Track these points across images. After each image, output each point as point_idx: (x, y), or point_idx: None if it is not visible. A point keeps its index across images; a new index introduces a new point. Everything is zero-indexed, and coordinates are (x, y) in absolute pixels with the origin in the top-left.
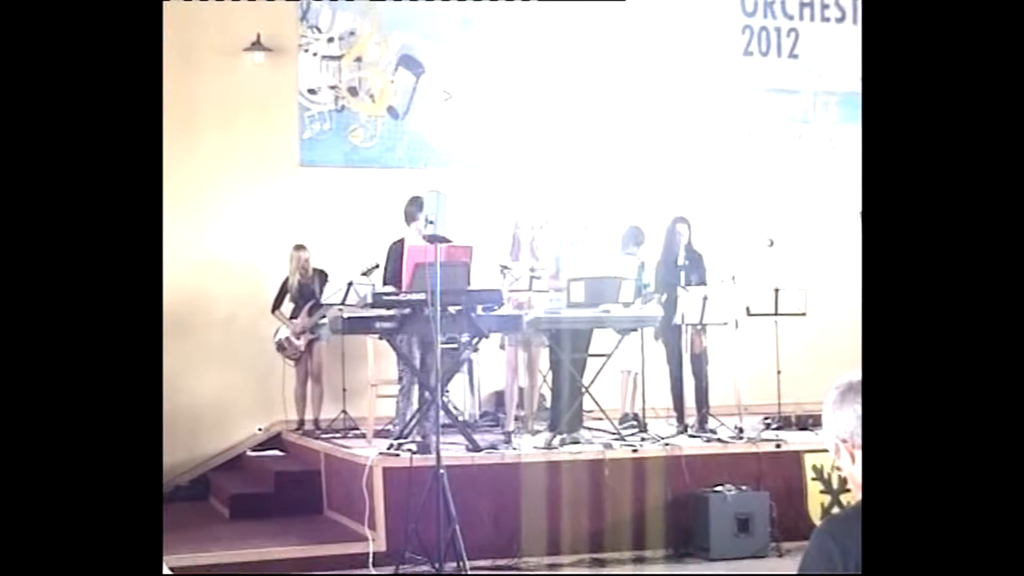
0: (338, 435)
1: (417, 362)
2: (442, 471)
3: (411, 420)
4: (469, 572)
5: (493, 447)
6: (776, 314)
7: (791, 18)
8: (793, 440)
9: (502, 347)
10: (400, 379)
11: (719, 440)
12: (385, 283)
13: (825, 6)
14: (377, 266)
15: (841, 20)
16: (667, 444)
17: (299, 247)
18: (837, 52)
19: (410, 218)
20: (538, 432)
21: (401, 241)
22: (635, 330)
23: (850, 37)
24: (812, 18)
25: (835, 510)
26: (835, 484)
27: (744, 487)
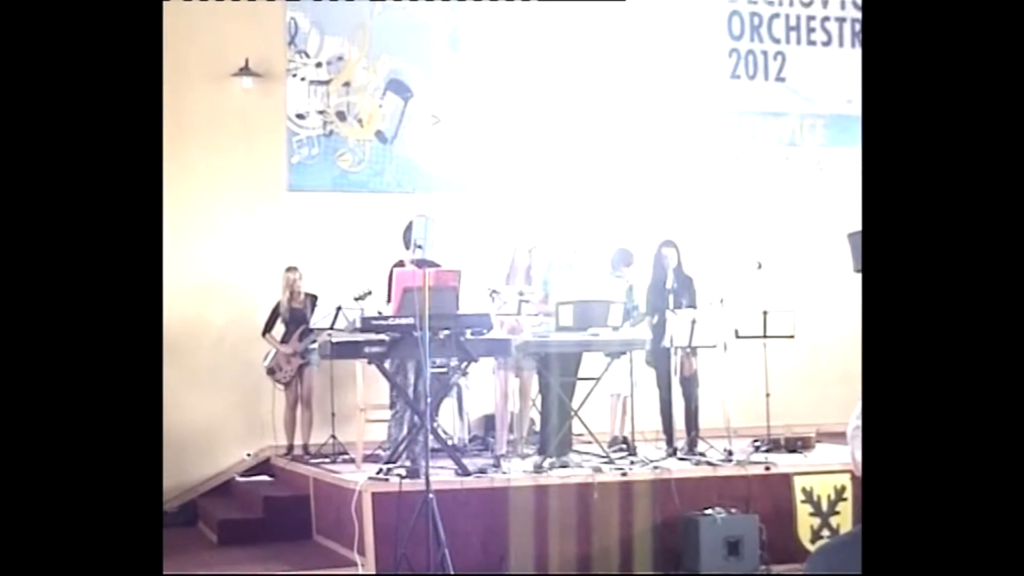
0: (327, 460)
1: (410, 389)
2: (431, 495)
3: (400, 444)
4: None
5: (482, 471)
6: (765, 336)
7: (778, 42)
8: (782, 463)
9: (495, 372)
10: (393, 404)
11: (708, 463)
12: (386, 303)
13: (811, 30)
14: (370, 292)
15: (827, 44)
16: (656, 467)
17: (290, 269)
18: (824, 75)
19: (408, 243)
20: (527, 456)
21: (400, 264)
22: (624, 353)
23: (836, 60)
24: (799, 42)
25: (825, 532)
26: (824, 507)
27: (733, 510)
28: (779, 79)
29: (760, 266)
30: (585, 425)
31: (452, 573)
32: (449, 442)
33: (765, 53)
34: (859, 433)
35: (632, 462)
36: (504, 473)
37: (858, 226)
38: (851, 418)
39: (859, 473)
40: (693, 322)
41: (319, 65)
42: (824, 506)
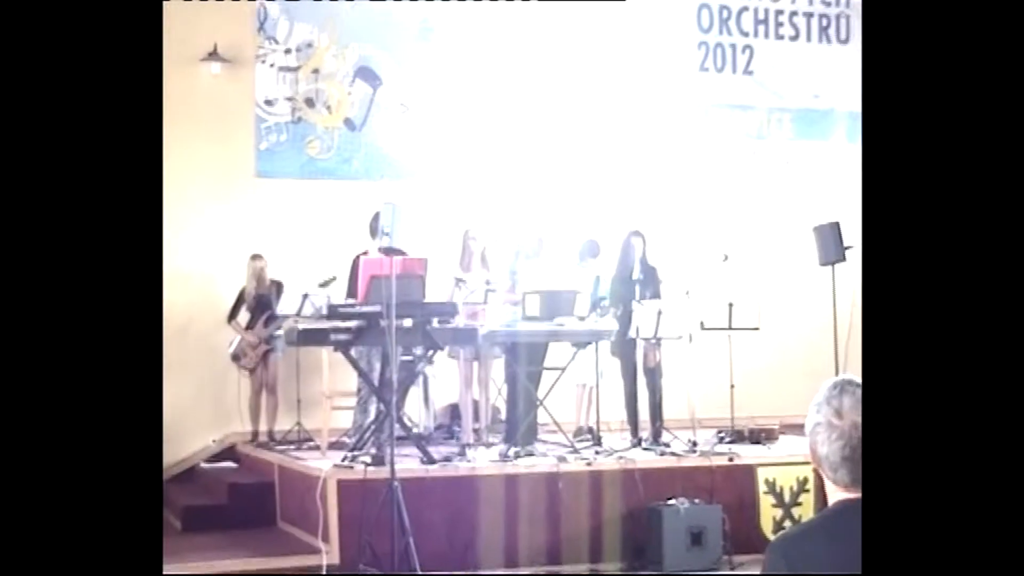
0: (292, 447)
1: (376, 376)
2: (396, 483)
3: (366, 432)
4: None
5: (447, 459)
6: (730, 328)
7: (746, 35)
8: (746, 454)
9: (452, 356)
10: (359, 392)
11: (673, 453)
12: (348, 295)
13: (780, 24)
14: (335, 278)
15: (795, 38)
16: (621, 457)
17: (255, 257)
18: (791, 69)
19: (374, 232)
20: (493, 445)
21: (364, 254)
22: (590, 343)
23: (804, 55)
24: (767, 35)
25: (787, 523)
26: (787, 498)
27: (697, 500)
28: (747, 72)
29: (726, 258)
30: (551, 415)
31: (416, 563)
32: (415, 430)
33: (733, 46)
34: (820, 428)
35: (597, 452)
36: (469, 462)
37: (824, 219)
38: (809, 410)
39: (817, 466)
40: (659, 313)
41: (288, 52)
42: (787, 497)
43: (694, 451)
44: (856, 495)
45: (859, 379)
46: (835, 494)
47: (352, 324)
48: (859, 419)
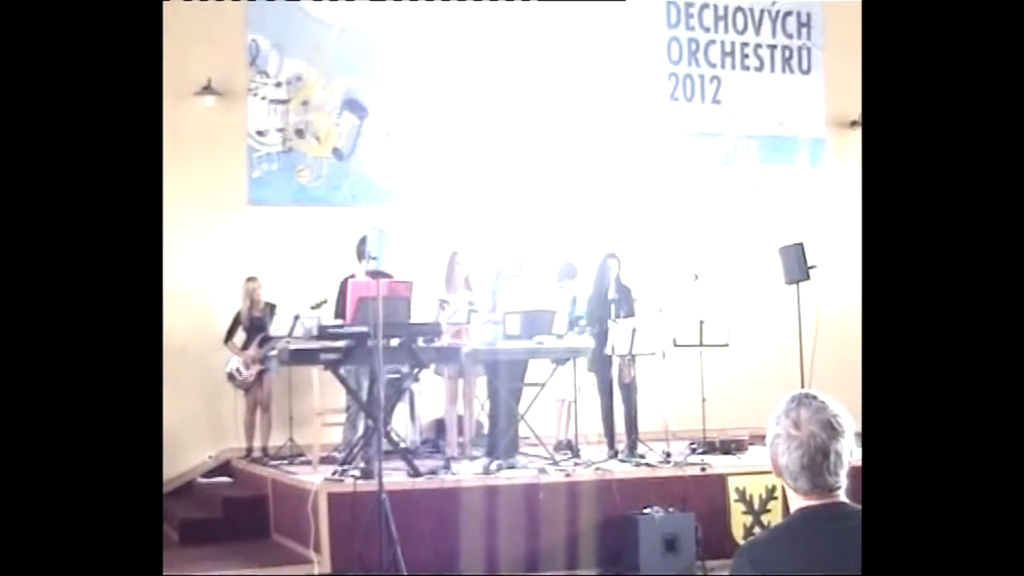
0: (285, 462)
1: (364, 394)
2: (384, 495)
3: (355, 447)
4: None
5: (433, 472)
6: (701, 345)
7: (714, 66)
8: (717, 464)
9: (438, 373)
10: (348, 409)
11: (647, 464)
12: (336, 317)
13: (745, 56)
14: (325, 301)
15: (760, 69)
16: (598, 469)
17: (250, 279)
18: (757, 98)
19: (361, 255)
20: (476, 458)
21: (351, 276)
22: (568, 360)
23: (769, 84)
24: (733, 67)
25: (756, 530)
26: (756, 505)
27: (671, 509)
28: (715, 101)
29: (697, 278)
30: (531, 429)
31: (404, 570)
32: (401, 445)
33: (702, 76)
34: (779, 440)
35: (576, 464)
36: (454, 474)
37: (789, 241)
38: (769, 423)
39: (778, 476)
40: (634, 331)
41: (279, 85)
42: (756, 505)
43: (668, 462)
44: (816, 501)
45: (817, 393)
46: (796, 501)
47: (341, 344)
48: (816, 429)
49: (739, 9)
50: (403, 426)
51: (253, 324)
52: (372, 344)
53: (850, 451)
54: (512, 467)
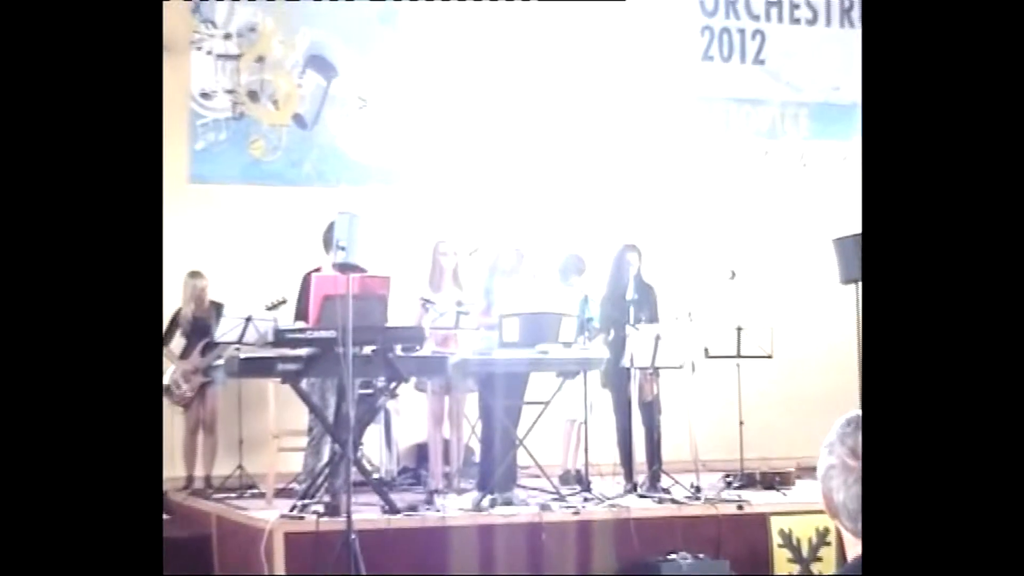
0: (233, 494)
1: (330, 413)
2: (354, 536)
3: (318, 477)
4: None
5: (413, 508)
6: (738, 356)
7: (756, 19)
8: (758, 501)
9: (420, 389)
10: (310, 431)
11: (673, 501)
12: (297, 319)
13: (795, 6)
14: (283, 300)
15: (813, 22)
16: (614, 505)
17: (194, 274)
18: (808, 58)
19: (328, 245)
20: (465, 491)
21: (318, 270)
22: (577, 374)
23: (822, 41)
24: (780, 19)
25: None
26: (805, 551)
27: (701, 555)
28: (758, 62)
29: (733, 275)
30: (532, 456)
31: None
32: (375, 475)
33: (742, 32)
34: (834, 472)
35: (586, 499)
36: (438, 511)
37: (845, 231)
38: (821, 452)
39: (833, 516)
40: (657, 338)
41: (228, 37)
42: (805, 551)
43: (697, 498)
44: None
45: None
46: (855, 547)
47: (302, 352)
48: None
49: None
50: (377, 452)
51: (195, 327)
52: (340, 352)
53: None
54: (509, 503)
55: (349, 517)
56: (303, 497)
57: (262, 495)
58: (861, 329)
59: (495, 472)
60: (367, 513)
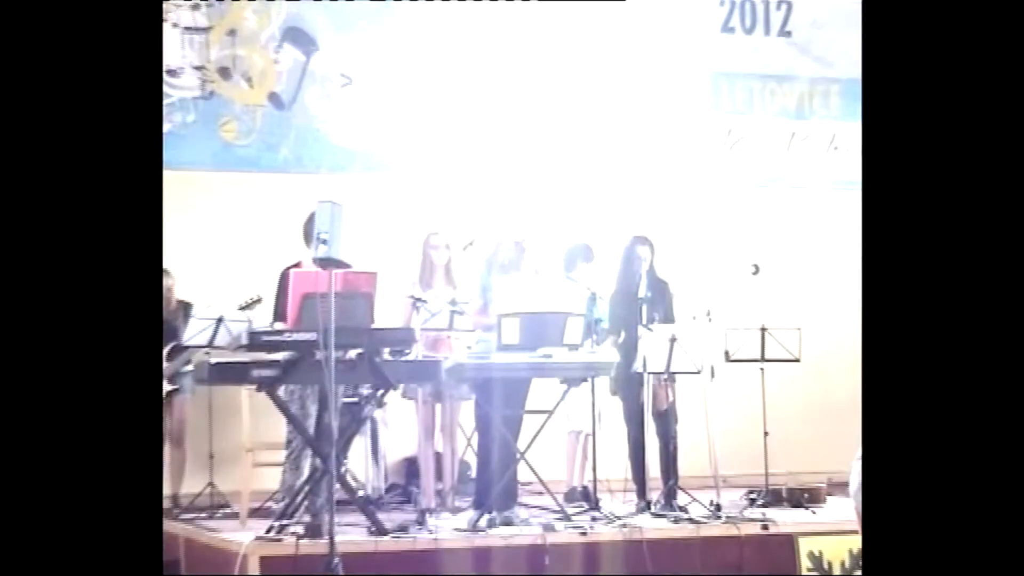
0: (203, 515)
1: (310, 422)
2: (337, 560)
3: (298, 495)
4: None
5: (402, 529)
6: (763, 360)
7: None
8: (784, 520)
9: (409, 397)
10: (289, 444)
11: (690, 520)
12: (274, 320)
13: None
14: (259, 299)
15: None
16: (625, 525)
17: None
18: (839, 29)
19: (308, 238)
20: (460, 510)
21: (297, 265)
22: (584, 380)
23: (854, 10)
24: None
25: None
26: (837, 574)
27: None
28: (783, 33)
29: (757, 270)
30: (534, 471)
31: None
32: (360, 492)
33: (766, 1)
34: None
35: (594, 519)
36: (430, 532)
37: None
38: (853, 467)
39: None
40: (672, 340)
41: (197, 7)
42: (836, 573)
43: (718, 516)
44: None
45: None
46: None
47: (280, 356)
48: None
49: None
50: (363, 467)
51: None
52: (322, 357)
53: None
54: (508, 523)
55: (332, 539)
56: (281, 517)
57: (235, 515)
58: (862, 329)
59: (493, 489)
60: (352, 535)
